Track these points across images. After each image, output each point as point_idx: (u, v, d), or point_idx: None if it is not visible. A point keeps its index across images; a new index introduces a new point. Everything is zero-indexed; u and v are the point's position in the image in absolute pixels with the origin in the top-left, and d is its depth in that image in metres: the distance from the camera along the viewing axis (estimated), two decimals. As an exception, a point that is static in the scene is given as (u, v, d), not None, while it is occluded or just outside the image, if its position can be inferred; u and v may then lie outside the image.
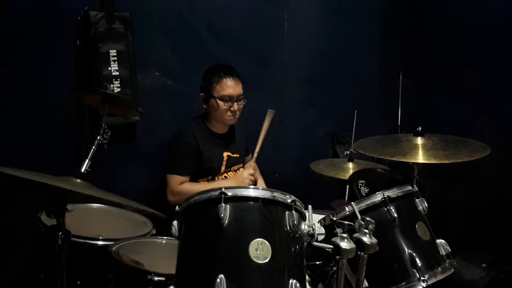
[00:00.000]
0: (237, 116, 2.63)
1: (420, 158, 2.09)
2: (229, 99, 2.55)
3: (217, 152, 2.65)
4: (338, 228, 1.53)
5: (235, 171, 2.74)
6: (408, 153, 2.12)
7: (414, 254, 1.72)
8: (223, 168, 2.66)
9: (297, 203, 1.53)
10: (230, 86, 2.55)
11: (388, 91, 3.63)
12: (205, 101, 2.62)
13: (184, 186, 2.55)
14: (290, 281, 1.41)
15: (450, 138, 2.26)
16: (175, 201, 1.55)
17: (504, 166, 2.88)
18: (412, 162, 2.13)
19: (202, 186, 2.58)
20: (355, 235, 1.52)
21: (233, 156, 2.71)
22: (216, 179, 2.65)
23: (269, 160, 3.03)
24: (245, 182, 2.57)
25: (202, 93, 2.62)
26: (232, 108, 2.57)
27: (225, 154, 2.68)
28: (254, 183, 2.71)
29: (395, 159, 2.12)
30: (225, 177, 2.68)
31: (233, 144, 2.74)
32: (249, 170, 2.64)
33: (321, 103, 3.50)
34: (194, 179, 2.61)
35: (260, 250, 1.39)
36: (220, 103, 2.55)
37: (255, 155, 2.64)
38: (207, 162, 2.60)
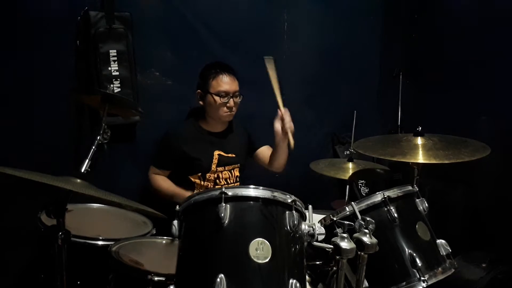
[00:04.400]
0: (233, 112, 2.62)
1: (420, 158, 2.09)
2: (226, 94, 2.56)
3: (206, 150, 2.64)
4: (338, 228, 1.52)
5: (230, 171, 2.73)
6: (408, 153, 2.12)
7: (414, 254, 1.72)
8: (213, 166, 2.65)
9: (297, 203, 1.53)
10: (226, 82, 2.57)
11: (388, 91, 3.63)
12: (202, 98, 2.63)
13: (156, 178, 2.65)
14: (290, 281, 1.41)
15: (450, 138, 2.26)
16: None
17: (504, 166, 2.88)
18: (412, 162, 2.13)
19: (170, 186, 2.64)
20: (355, 235, 1.52)
21: (226, 156, 2.69)
22: (207, 176, 2.64)
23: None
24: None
25: (198, 90, 2.63)
26: (228, 104, 2.57)
27: (216, 152, 2.66)
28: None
29: (395, 159, 2.12)
30: (218, 176, 2.67)
31: (229, 144, 2.72)
32: (278, 121, 2.54)
33: (321, 103, 3.49)
34: (184, 176, 2.63)
35: (260, 250, 1.39)
36: (217, 98, 2.56)
37: (280, 103, 2.52)
38: (195, 160, 2.61)
